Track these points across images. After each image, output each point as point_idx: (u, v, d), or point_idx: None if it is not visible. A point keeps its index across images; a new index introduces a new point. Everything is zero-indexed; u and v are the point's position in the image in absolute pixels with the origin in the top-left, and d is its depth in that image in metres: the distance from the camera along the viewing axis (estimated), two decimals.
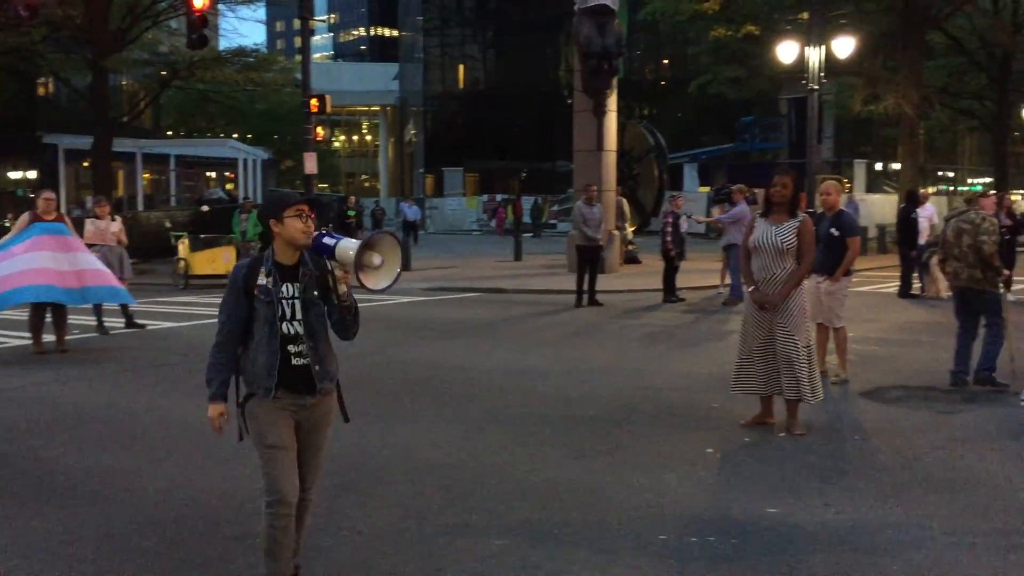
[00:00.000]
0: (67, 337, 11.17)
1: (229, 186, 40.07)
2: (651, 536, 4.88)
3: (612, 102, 21.19)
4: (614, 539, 4.86)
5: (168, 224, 23.03)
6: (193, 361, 10.12)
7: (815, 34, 21.10)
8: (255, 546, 4.67)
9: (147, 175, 37.64)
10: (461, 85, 63.33)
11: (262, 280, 3.90)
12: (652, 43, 53.34)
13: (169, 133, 50.30)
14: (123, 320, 12.74)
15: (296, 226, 3.87)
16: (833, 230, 8.60)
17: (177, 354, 10.83)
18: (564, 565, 4.51)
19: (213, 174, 43.92)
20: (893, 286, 16.79)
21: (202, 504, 5.43)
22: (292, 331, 3.91)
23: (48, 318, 10.94)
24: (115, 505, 5.47)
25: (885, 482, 5.75)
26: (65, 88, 30.59)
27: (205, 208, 24.89)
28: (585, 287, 15.05)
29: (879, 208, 30.85)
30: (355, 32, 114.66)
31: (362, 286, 3.69)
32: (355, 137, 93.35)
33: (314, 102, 20.73)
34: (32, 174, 36.05)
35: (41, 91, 36.35)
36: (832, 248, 8.51)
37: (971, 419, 7.41)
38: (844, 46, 21.73)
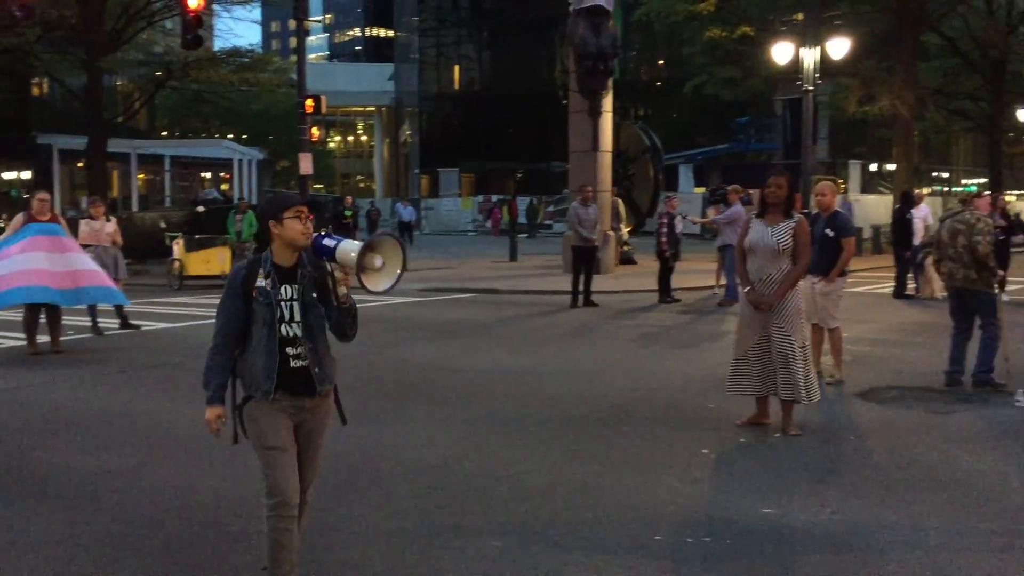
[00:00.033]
0: (62, 338, 11.15)
1: (224, 187, 40.05)
2: (646, 536, 4.88)
3: (607, 103, 21.20)
4: (609, 539, 4.86)
5: (163, 225, 22.98)
6: (188, 362, 10.10)
7: (810, 35, 21.11)
8: (251, 546, 4.67)
9: (142, 176, 37.60)
10: (456, 86, 63.35)
11: (261, 282, 3.88)
12: (647, 44, 53.38)
13: (164, 134, 50.28)
14: (118, 321, 12.71)
15: (295, 227, 3.85)
16: (828, 231, 8.61)
17: (172, 355, 10.81)
18: (560, 566, 4.50)
19: (208, 175, 43.89)
20: (888, 287, 16.82)
21: (198, 505, 5.42)
22: (291, 333, 3.89)
23: (43, 319, 10.92)
24: (110, 506, 5.45)
25: (880, 482, 5.75)
26: (60, 88, 30.54)
27: (201, 209, 24.86)
28: (580, 288, 15.05)
29: (874, 209, 30.90)
30: (350, 32, 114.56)
31: (363, 288, 3.67)
32: (350, 138, 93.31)
33: (309, 102, 20.71)
34: (26, 175, 35.99)
35: (36, 91, 36.31)
36: (827, 249, 8.52)
37: (966, 419, 7.42)
38: (839, 47, 21.75)
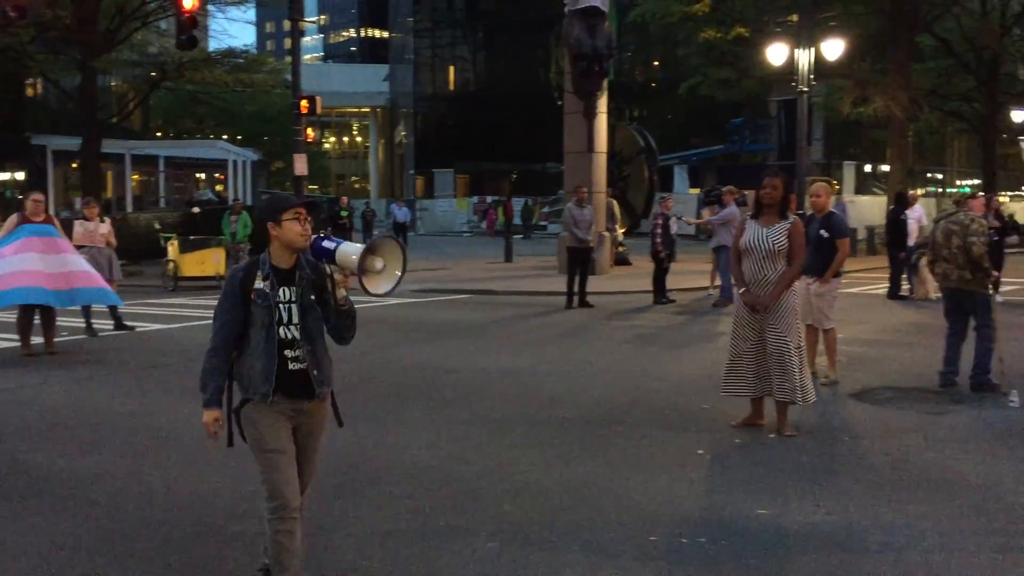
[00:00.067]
0: (56, 339, 11.12)
1: (219, 187, 39.97)
2: (642, 537, 4.88)
3: (602, 104, 21.22)
4: (605, 540, 4.86)
5: (157, 225, 22.93)
6: (183, 363, 10.09)
7: (804, 36, 21.15)
8: (247, 548, 4.66)
9: (136, 176, 37.50)
10: (451, 86, 63.38)
11: (259, 284, 3.86)
12: (642, 45, 53.46)
13: (158, 134, 50.16)
14: (112, 322, 12.69)
15: (294, 229, 3.83)
16: (823, 232, 8.62)
17: (166, 356, 10.79)
18: (556, 567, 4.50)
19: (203, 175, 43.80)
20: (882, 287, 16.85)
21: (193, 506, 5.41)
22: (289, 335, 3.88)
23: (36, 320, 10.89)
24: (105, 508, 5.44)
25: (875, 483, 5.76)
26: (54, 89, 30.48)
27: (196, 210, 24.81)
28: (576, 289, 15.05)
29: (868, 210, 30.96)
30: (345, 33, 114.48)
31: (364, 290, 3.65)
32: (345, 138, 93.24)
33: (304, 103, 20.69)
34: (20, 175, 35.87)
35: (30, 92, 36.20)
36: (822, 249, 8.53)
37: (960, 420, 7.44)
38: (833, 48, 21.79)
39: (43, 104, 36.71)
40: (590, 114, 20.78)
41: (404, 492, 5.65)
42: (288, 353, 3.87)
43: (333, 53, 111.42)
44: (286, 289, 3.88)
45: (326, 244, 3.73)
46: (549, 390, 8.62)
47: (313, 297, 3.90)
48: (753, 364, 6.94)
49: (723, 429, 7.07)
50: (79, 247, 12.03)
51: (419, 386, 8.88)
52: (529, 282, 19.33)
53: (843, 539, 4.84)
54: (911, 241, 16.00)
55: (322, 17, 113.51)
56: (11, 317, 11.22)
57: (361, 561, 4.62)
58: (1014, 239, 14.56)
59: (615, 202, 22.61)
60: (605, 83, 21.14)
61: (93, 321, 12.29)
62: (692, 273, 18.28)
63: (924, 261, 14.32)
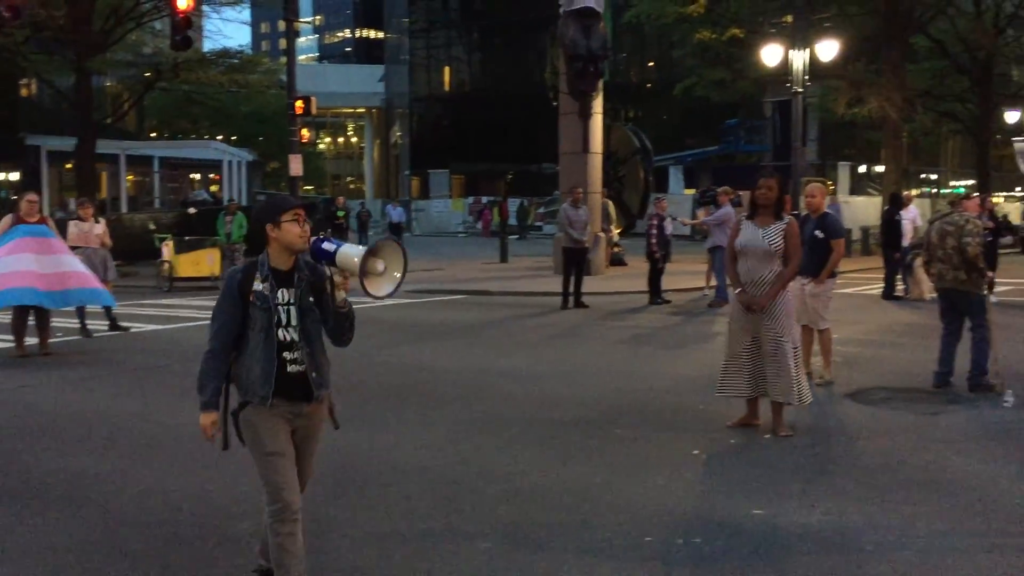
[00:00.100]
0: (50, 340, 11.10)
1: (214, 188, 39.98)
2: (637, 538, 4.88)
3: (598, 104, 21.22)
4: (600, 541, 4.86)
5: (152, 226, 22.92)
6: (177, 364, 10.08)
7: (799, 37, 21.19)
8: (241, 549, 4.66)
9: (131, 177, 37.47)
10: (447, 87, 63.35)
11: (258, 286, 3.84)
12: (637, 46, 53.46)
13: (153, 135, 50.12)
14: (107, 323, 12.66)
15: (293, 231, 3.82)
16: (818, 232, 8.63)
17: (161, 357, 10.77)
18: (551, 568, 4.50)
19: (197, 176, 43.79)
20: (877, 288, 16.88)
21: (187, 507, 5.40)
22: (288, 338, 3.86)
23: (31, 321, 10.87)
24: (98, 509, 5.43)
25: (870, 483, 5.77)
26: (48, 89, 30.40)
27: (192, 210, 24.78)
28: (571, 289, 15.06)
29: (863, 210, 31.00)
30: (340, 34, 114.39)
31: (366, 293, 3.64)
32: (340, 139, 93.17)
33: (299, 104, 20.68)
34: (15, 176, 35.82)
35: (24, 92, 36.15)
36: (817, 250, 8.54)
37: (955, 420, 7.45)
38: (828, 49, 21.83)
39: (38, 104, 36.65)
40: (585, 115, 20.79)
41: (400, 493, 5.64)
42: (287, 355, 3.86)
43: (328, 53, 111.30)
44: (285, 291, 3.86)
45: (326, 246, 3.71)
46: (545, 391, 8.62)
47: (312, 299, 3.89)
48: (749, 365, 6.95)
49: (719, 429, 7.07)
50: (74, 248, 12.01)
51: (415, 387, 8.87)
52: (525, 283, 19.33)
53: (838, 539, 4.84)
54: (906, 242, 16.03)
55: (317, 18, 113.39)
56: (5, 318, 11.19)
57: (357, 562, 4.62)
58: (1008, 240, 14.60)
59: (611, 203, 22.62)
60: (600, 84, 21.16)
61: (88, 322, 12.26)
62: (687, 274, 18.29)
63: (919, 261, 14.35)
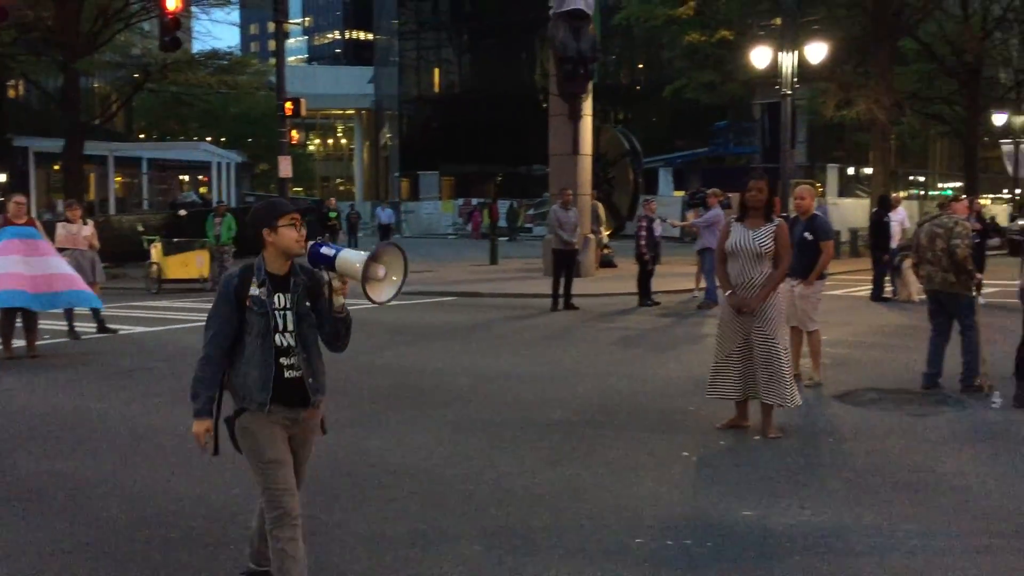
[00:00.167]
0: (38, 342, 11.05)
1: (203, 190, 39.85)
2: (627, 540, 4.88)
3: (587, 106, 21.25)
4: (590, 543, 4.86)
5: (140, 228, 22.84)
6: (166, 366, 10.04)
7: (788, 40, 21.23)
8: (231, 553, 4.64)
9: (119, 178, 37.31)
10: (436, 89, 63.35)
11: (255, 291, 3.80)
12: (627, 48, 53.61)
13: (141, 136, 49.95)
14: (95, 325, 12.60)
15: (291, 235, 3.79)
16: (807, 234, 8.65)
17: (149, 359, 10.72)
18: (540, 570, 4.50)
19: (186, 177, 43.62)
20: (865, 290, 16.93)
21: (177, 511, 5.38)
22: (284, 343, 3.83)
23: (19, 323, 10.81)
24: (86, 512, 5.40)
25: (859, 484, 5.78)
26: (36, 90, 30.30)
27: (183, 212, 24.71)
28: (561, 291, 15.06)
29: (851, 212, 31.10)
30: (330, 35, 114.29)
31: (368, 298, 3.61)
32: (330, 140, 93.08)
33: (289, 105, 20.63)
34: (2, 178, 35.60)
35: (11, 93, 35.93)
36: (806, 252, 8.56)
37: (944, 421, 7.48)
38: (817, 52, 21.89)
39: (25, 106, 36.48)
40: (575, 116, 20.81)
41: (389, 496, 5.63)
42: (284, 361, 3.83)
43: (318, 55, 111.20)
44: (281, 296, 3.83)
45: (324, 251, 3.68)
46: (534, 392, 8.61)
47: (308, 303, 3.86)
48: (739, 367, 6.96)
49: (708, 431, 7.08)
50: (62, 250, 11.96)
51: (404, 389, 8.86)
52: (514, 284, 19.33)
53: (828, 540, 4.85)
54: (894, 243, 16.09)
55: (307, 19, 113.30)
56: None
57: (347, 565, 4.60)
58: (995, 241, 14.67)
59: (600, 204, 22.65)
60: (590, 86, 21.18)
61: (76, 324, 12.21)
62: (677, 275, 18.33)
63: (907, 263, 14.44)
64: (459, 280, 20.60)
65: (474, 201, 48.74)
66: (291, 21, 28.19)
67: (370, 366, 10.04)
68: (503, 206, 44.44)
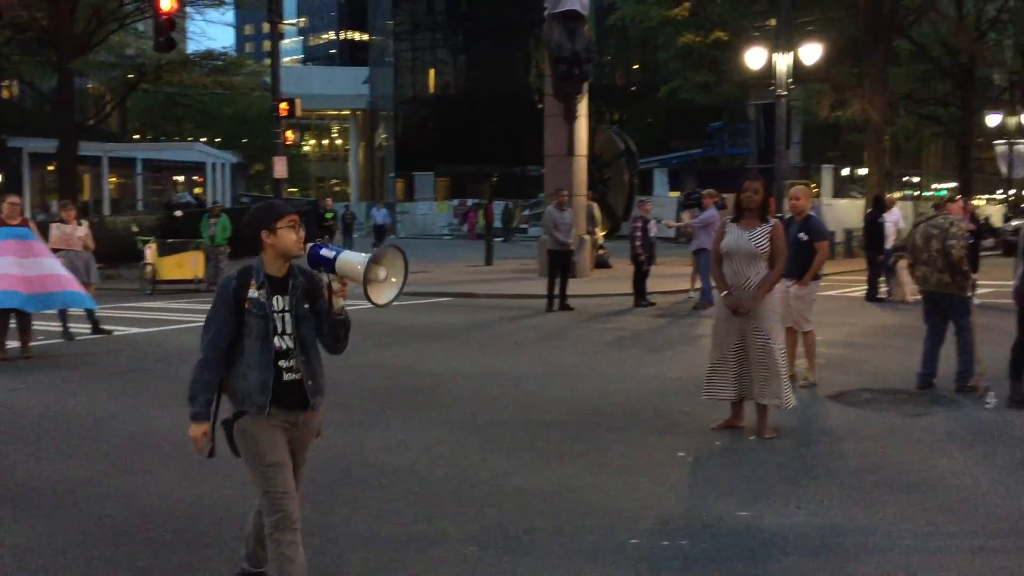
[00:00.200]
0: (32, 343, 11.02)
1: (197, 190, 39.80)
2: (623, 540, 4.88)
3: (582, 107, 21.26)
4: (586, 544, 4.86)
5: (135, 228, 22.80)
6: (161, 367, 10.03)
7: (783, 40, 21.28)
8: (226, 554, 4.63)
9: (113, 179, 37.28)
10: (431, 89, 63.31)
11: (253, 293, 3.79)
12: (622, 48, 53.62)
13: (136, 137, 49.87)
14: (89, 326, 12.58)
15: (290, 237, 3.78)
16: (802, 235, 8.66)
17: (144, 360, 10.70)
18: (536, 571, 4.50)
19: (181, 178, 43.59)
20: (860, 290, 16.96)
21: (171, 512, 5.36)
22: (283, 346, 3.81)
23: (12, 324, 10.78)
24: (82, 512, 5.38)
25: (854, 484, 5.79)
26: (30, 91, 30.24)
27: (178, 213, 24.68)
28: (556, 291, 15.07)
29: (846, 213, 31.16)
30: (325, 36, 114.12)
31: (369, 300, 3.60)
32: (325, 141, 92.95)
33: (283, 106, 20.60)
34: None
35: (5, 94, 35.93)
36: (801, 252, 8.57)
37: (938, 421, 7.49)
38: (811, 53, 21.93)
39: (19, 106, 36.42)
40: (570, 117, 20.81)
41: (385, 496, 5.63)
42: (283, 363, 3.81)
43: (313, 55, 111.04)
44: (280, 298, 3.82)
45: (324, 253, 3.66)
46: (530, 393, 8.61)
47: (307, 306, 3.85)
48: (735, 367, 6.96)
49: (703, 432, 7.09)
50: (56, 250, 11.92)
51: (399, 390, 8.85)
52: (509, 285, 19.33)
53: (822, 541, 4.86)
54: (888, 244, 16.12)
55: (301, 20, 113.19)
56: None
57: (342, 567, 4.60)
58: (989, 242, 14.70)
59: (595, 205, 22.66)
60: (585, 86, 21.20)
61: (70, 325, 12.18)
62: (672, 276, 18.34)
63: (902, 264, 14.45)
64: (454, 281, 20.59)
65: (469, 202, 48.74)
66: (286, 22, 28.20)
67: (364, 367, 10.02)
68: (498, 207, 44.35)
